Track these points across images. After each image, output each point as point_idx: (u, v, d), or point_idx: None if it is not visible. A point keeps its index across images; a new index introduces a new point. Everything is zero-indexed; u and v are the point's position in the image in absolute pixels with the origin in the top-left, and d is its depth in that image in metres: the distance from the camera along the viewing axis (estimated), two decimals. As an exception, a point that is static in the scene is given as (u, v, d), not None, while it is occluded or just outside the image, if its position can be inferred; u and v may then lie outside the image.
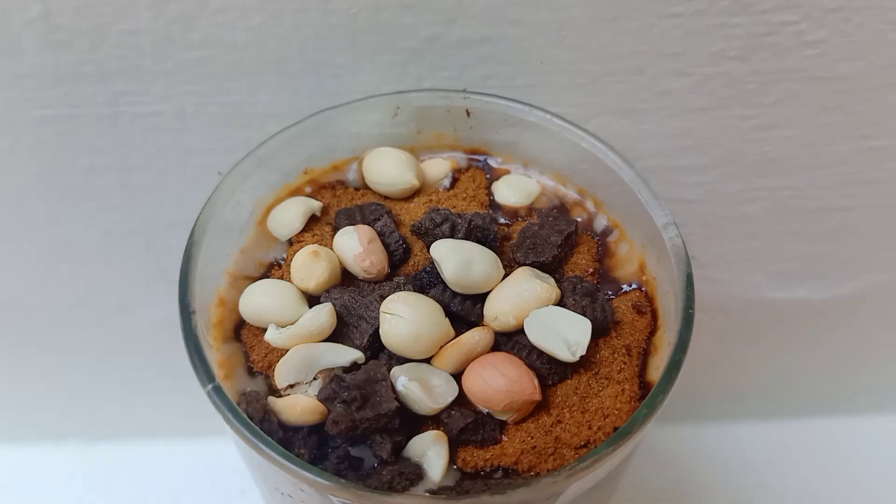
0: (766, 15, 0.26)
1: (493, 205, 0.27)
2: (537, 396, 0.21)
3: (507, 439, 0.22)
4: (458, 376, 0.22)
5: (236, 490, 0.44)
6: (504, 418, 0.22)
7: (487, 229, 0.25)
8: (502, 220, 0.26)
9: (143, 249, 0.33)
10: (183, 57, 0.26)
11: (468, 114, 0.27)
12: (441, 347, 0.22)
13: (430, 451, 0.21)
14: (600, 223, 0.27)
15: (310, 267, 0.24)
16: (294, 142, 0.26)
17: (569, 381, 0.22)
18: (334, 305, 0.23)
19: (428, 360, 0.22)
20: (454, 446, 0.21)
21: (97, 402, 0.44)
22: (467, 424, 0.21)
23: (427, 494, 0.19)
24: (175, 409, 0.44)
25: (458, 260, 0.23)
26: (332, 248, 0.24)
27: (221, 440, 0.45)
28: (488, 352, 0.23)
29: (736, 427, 0.46)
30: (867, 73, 0.28)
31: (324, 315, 0.23)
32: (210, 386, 0.20)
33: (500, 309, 0.23)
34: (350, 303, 0.23)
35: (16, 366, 0.41)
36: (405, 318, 0.22)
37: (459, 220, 0.25)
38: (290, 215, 0.26)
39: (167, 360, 0.41)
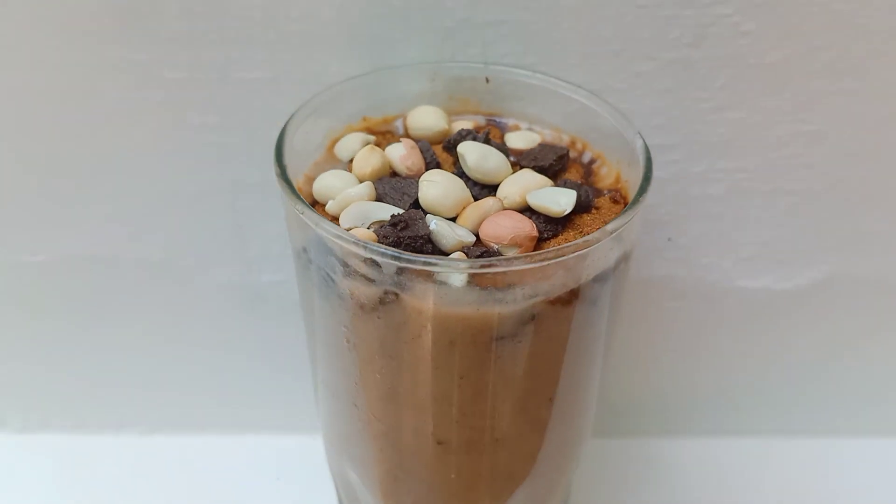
0: (708, 7, 0.35)
1: (504, 149, 0.35)
2: (535, 232, 0.28)
3: (512, 269, 0.28)
4: (476, 235, 0.30)
5: (272, 478, 0.49)
6: (510, 254, 0.29)
7: (501, 146, 0.33)
8: (512, 159, 0.35)
9: (225, 209, 0.41)
10: (282, 29, 0.35)
11: (487, 80, 0.36)
12: (464, 208, 0.30)
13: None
14: (587, 156, 0.35)
15: (367, 157, 0.32)
16: (356, 90, 0.35)
17: (560, 235, 0.30)
18: (384, 187, 0.31)
19: (453, 220, 0.30)
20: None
21: (156, 391, 0.50)
22: (482, 254, 0.28)
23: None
24: (224, 401, 0.50)
25: (478, 153, 0.31)
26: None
27: (255, 438, 0.51)
28: (499, 215, 0.30)
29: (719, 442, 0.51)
30: (791, 61, 0.37)
31: (364, 188, 0.30)
32: (300, 204, 0.27)
33: (509, 191, 0.31)
34: (397, 185, 0.31)
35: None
36: (438, 182, 0.30)
37: (480, 135, 0.33)
38: (352, 143, 0.34)
39: (225, 338, 0.47)
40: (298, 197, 0.28)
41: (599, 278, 0.28)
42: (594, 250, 0.26)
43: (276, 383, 0.50)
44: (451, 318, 0.26)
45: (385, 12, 0.35)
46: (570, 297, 0.27)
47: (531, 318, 0.27)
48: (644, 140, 0.31)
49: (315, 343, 0.32)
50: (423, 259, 0.25)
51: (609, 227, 0.26)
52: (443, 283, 0.26)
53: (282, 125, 0.34)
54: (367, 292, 0.27)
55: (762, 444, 0.51)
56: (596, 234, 0.26)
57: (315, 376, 0.34)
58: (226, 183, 0.41)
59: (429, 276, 0.26)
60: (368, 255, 0.26)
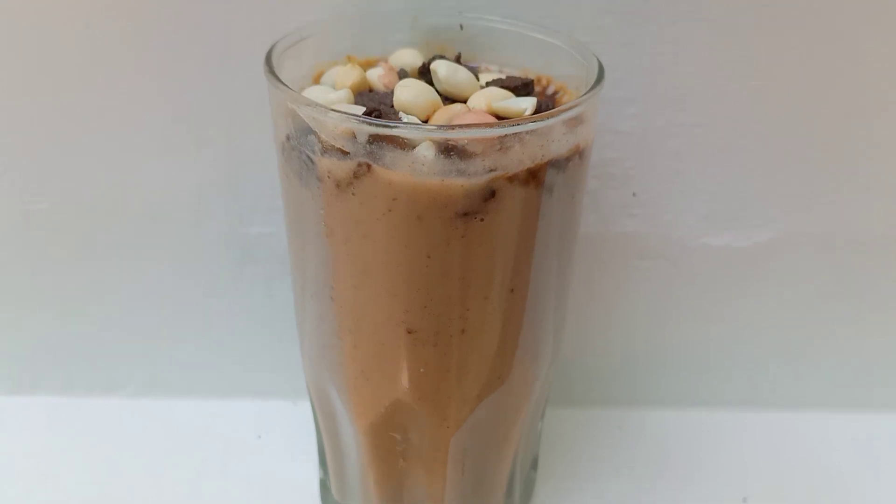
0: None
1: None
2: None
3: (475, 158, 0.31)
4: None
5: (254, 436, 0.51)
6: (474, 147, 0.32)
7: (471, 69, 0.36)
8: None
9: (223, 156, 0.44)
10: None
11: (462, 28, 0.40)
12: (434, 111, 0.33)
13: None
14: (550, 89, 0.38)
15: (348, 73, 0.35)
16: (341, 29, 0.39)
17: (521, 135, 0.33)
18: (362, 98, 0.34)
19: (425, 122, 0.33)
20: (439, 159, 0.31)
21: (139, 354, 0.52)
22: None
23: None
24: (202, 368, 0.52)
25: (448, 68, 0.34)
26: (365, 78, 0.36)
27: (239, 402, 0.53)
28: (466, 120, 0.33)
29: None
30: (737, 18, 0.40)
31: (343, 94, 0.33)
32: (281, 87, 0.31)
33: (477, 100, 0.34)
34: (374, 97, 0.34)
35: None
36: (411, 87, 0.33)
37: (450, 59, 0.36)
38: (335, 74, 0.38)
39: (222, 295, 0.49)
40: (281, 80, 0.31)
41: (554, 164, 0.30)
42: (547, 129, 0.29)
43: (262, 348, 0.52)
44: (418, 190, 0.29)
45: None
46: (528, 178, 0.30)
47: (491, 194, 0.30)
48: (598, 58, 0.34)
49: (295, 240, 0.34)
50: (392, 123, 0.28)
51: (562, 107, 0.30)
52: (411, 151, 0.28)
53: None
54: (343, 167, 0.29)
55: (729, 415, 0.52)
56: (549, 112, 0.29)
57: (295, 284, 0.36)
58: (220, 131, 0.44)
59: (398, 142, 0.28)
60: (343, 123, 0.29)
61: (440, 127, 0.29)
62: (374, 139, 0.29)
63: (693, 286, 0.48)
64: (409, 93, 0.32)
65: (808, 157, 0.45)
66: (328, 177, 0.30)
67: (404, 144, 0.28)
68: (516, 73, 0.39)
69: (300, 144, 0.31)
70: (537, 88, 0.38)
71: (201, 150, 0.44)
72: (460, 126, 0.28)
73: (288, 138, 0.32)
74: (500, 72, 0.40)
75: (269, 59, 0.33)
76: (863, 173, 0.45)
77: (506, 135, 0.29)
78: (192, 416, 0.52)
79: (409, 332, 0.33)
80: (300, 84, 0.37)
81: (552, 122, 0.29)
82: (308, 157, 0.30)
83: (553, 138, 0.30)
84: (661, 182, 0.45)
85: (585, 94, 0.31)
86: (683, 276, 0.48)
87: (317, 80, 0.38)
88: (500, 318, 0.33)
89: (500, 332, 0.34)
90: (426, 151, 0.28)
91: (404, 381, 0.34)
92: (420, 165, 0.29)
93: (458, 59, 0.36)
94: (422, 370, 0.34)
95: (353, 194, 0.30)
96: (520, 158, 0.29)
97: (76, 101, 0.43)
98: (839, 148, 0.44)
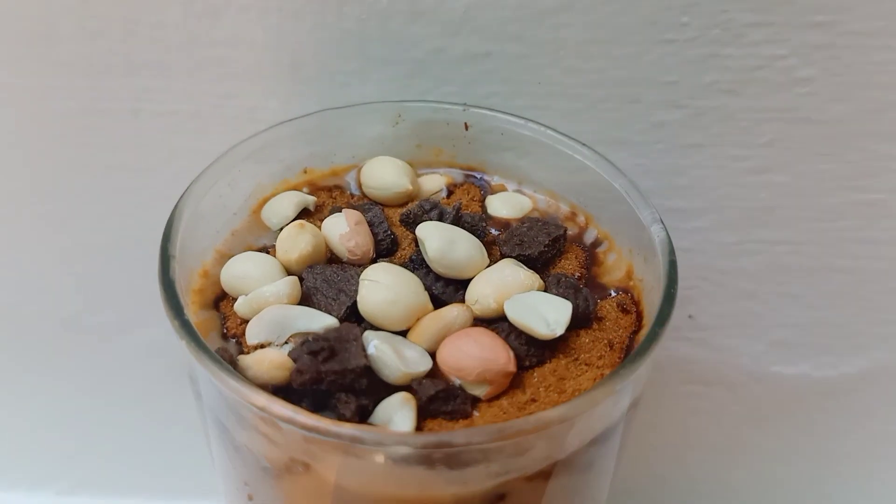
0: (757, 47, 0.27)
1: (485, 216, 0.27)
2: (512, 367, 0.21)
3: (478, 415, 0.21)
4: (433, 356, 0.22)
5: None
6: (477, 392, 0.21)
7: (476, 224, 0.25)
8: (493, 231, 0.27)
9: (149, 261, 0.34)
10: (206, 54, 0.27)
11: (466, 127, 0.28)
12: (418, 320, 0.22)
13: (396, 415, 0.20)
14: (590, 236, 0.27)
15: (294, 238, 0.24)
16: (296, 135, 0.27)
17: (547, 364, 0.22)
18: (316, 278, 0.23)
19: (404, 334, 0.22)
20: (422, 417, 0.20)
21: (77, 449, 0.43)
22: (438, 392, 0.20)
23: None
24: (153, 466, 0.43)
25: (442, 238, 0.23)
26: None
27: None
28: (466, 330, 0.22)
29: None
30: (858, 118, 0.29)
31: (284, 287, 0.22)
32: (178, 320, 0.20)
33: (482, 292, 0.23)
34: (331, 277, 0.23)
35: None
36: (384, 283, 0.22)
37: (448, 209, 0.25)
38: (284, 206, 0.26)
39: (155, 397, 0.40)
40: (178, 316, 0.20)
41: (597, 440, 0.20)
42: (589, 414, 0.19)
43: (196, 451, 0.43)
44: (383, 501, 0.19)
45: (333, 37, 0.27)
46: (552, 468, 0.19)
47: (499, 497, 0.19)
48: (667, 231, 0.23)
49: (219, 480, 0.24)
50: (334, 430, 0.17)
51: (616, 384, 0.18)
52: (369, 459, 0.18)
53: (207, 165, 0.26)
54: (270, 455, 0.19)
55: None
56: (592, 395, 0.18)
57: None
58: (145, 231, 0.33)
59: (350, 449, 0.18)
60: (264, 415, 0.18)
61: (402, 436, 0.18)
62: (312, 439, 0.18)
63: (754, 416, 0.38)
64: (381, 296, 0.21)
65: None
66: (249, 454, 0.20)
67: (361, 451, 0.18)
68: (540, 196, 0.28)
69: (209, 401, 0.20)
70: (572, 230, 0.26)
71: (135, 257, 0.34)
72: (448, 437, 0.17)
73: (193, 380, 0.21)
74: (519, 190, 0.28)
75: (165, 243, 0.22)
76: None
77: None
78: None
79: None
80: (230, 223, 0.26)
81: (596, 409, 0.18)
82: (222, 423, 0.20)
83: (594, 420, 0.19)
84: (726, 305, 0.34)
85: (652, 333, 0.20)
86: (743, 405, 0.38)
87: (257, 213, 0.27)
88: None
89: None
90: (396, 455, 0.18)
91: None
92: (385, 474, 0.18)
93: (452, 210, 0.24)
94: None
95: (286, 485, 0.20)
96: (545, 454, 0.19)
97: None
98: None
